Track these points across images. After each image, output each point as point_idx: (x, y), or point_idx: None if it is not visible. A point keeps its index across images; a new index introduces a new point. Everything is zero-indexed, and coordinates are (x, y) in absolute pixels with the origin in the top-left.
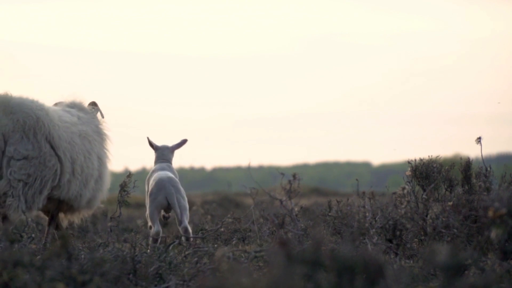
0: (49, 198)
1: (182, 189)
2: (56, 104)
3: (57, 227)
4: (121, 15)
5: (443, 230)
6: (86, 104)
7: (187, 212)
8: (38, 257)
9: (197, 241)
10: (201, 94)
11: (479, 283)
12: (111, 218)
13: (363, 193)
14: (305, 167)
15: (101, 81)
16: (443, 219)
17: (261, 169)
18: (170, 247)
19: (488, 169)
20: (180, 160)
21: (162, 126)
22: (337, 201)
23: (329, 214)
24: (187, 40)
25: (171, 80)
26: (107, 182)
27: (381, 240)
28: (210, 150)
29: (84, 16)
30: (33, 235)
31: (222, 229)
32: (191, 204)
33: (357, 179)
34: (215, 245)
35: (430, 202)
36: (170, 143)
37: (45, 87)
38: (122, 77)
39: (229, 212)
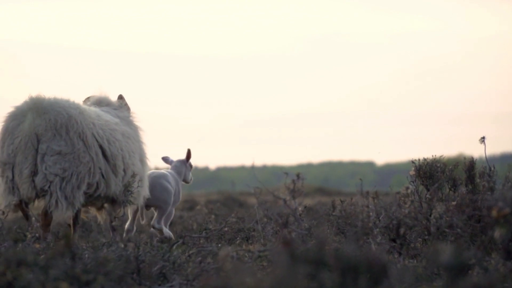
0: (92, 196)
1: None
2: (86, 101)
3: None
4: (121, 15)
5: (447, 230)
6: (112, 98)
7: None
8: (42, 256)
9: (201, 241)
10: (204, 94)
11: (482, 282)
12: (115, 217)
13: (367, 192)
14: (308, 166)
15: (100, 81)
16: (447, 218)
17: (264, 168)
18: (174, 247)
19: (492, 168)
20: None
21: (163, 126)
22: (341, 201)
23: (333, 213)
24: (187, 40)
25: (173, 80)
26: (147, 181)
27: (384, 239)
28: (214, 149)
29: (84, 16)
30: (37, 234)
31: (226, 229)
32: (195, 203)
33: (360, 179)
34: (219, 245)
35: (434, 202)
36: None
37: (45, 87)
38: (121, 77)
39: (233, 211)
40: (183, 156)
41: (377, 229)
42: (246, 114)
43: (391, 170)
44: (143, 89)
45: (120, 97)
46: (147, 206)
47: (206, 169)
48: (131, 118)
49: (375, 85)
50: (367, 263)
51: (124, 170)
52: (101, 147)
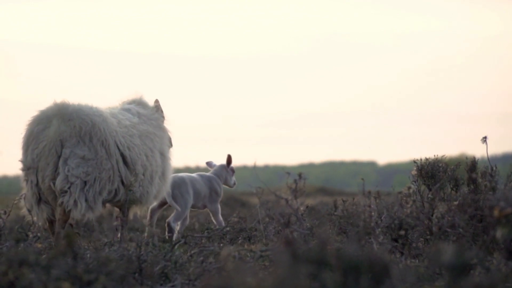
0: (112, 201)
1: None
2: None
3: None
4: (121, 15)
5: (449, 230)
6: (146, 100)
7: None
8: (44, 256)
9: (203, 240)
10: (205, 94)
11: (484, 282)
12: (116, 217)
13: (369, 192)
14: (311, 166)
15: (101, 81)
16: (449, 218)
17: (266, 168)
18: (176, 246)
19: (494, 168)
20: (186, 159)
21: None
22: (343, 201)
23: (335, 213)
24: (187, 40)
25: (173, 80)
26: (170, 175)
27: (386, 239)
28: (215, 149)
29: (84, 16)
30: (38, 234)
31: (228, 229)
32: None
33: (362, 179)
34: (221, 245)
35: (436, 202)
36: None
37: (45, 87)
38: (121, 77)
39: (235, 211)
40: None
41: (379, 229)
42: (247, 114)
43: (393, 170)
44: (144, 89)
45: (156, 101)
46: (162, 203)
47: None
48: (153, 115)
49: (377, 85)
50: (369, 263)
51: (143, 174)
52: (122, 154)
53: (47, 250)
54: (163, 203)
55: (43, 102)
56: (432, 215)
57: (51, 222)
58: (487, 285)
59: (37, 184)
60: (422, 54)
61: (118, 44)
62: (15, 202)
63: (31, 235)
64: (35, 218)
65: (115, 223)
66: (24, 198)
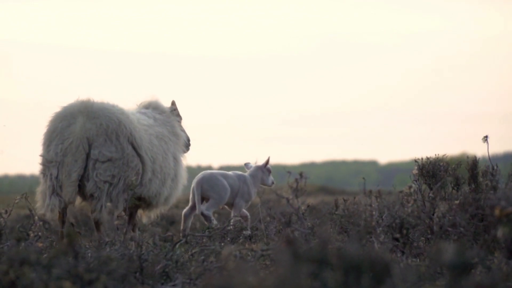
0: (137, 197)
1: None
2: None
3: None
4: (121, 15)
5: (450, 229)
6: (162, 103)
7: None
8: (45, 255)
9: (204, 240)
10: (206, 93)
11: (485, 281)
12: (117, 216)
13: (370, 191)
14: (312, 165)
15: (102, 81)
16: (450, 217)
17: None
18: (177, 246)
19: (495, 167)
20: (187, 159)
21: None
22: (344, 200)
23: (336, 212)
24: (187, 40)
25: (173, 80)
26: (182, 180)
27: (387, 238)
28: (216, 148)
29: (84, 15)
30: (39, 233)
31: (229, 228)
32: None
33: (364, 178)
34: (222, 244)
35: (437, 201)
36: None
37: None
38: (122, 77)
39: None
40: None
41: (380, 228)
42: (248, 113)
43: (394, 169)
44: (147, 88)
45: (173, 103)
46: (202, 197)
47: (209, 168)
48: (168, 119)
49: (378, 85)
50: (370, 262)
51: (160, 173)
52: (145, 152)
53: (48, 249)
54: (195, 206)
55: (43, 101)
56: (433, 214)
57: (62, 214)
58: (488, 284)
59: (56, 177)
60: (422, 54)
61: (118, 44)
62: (16, 201)
63: (32, 235)
64: (44, 210)
65: (116, 222)
66: (40, 192)
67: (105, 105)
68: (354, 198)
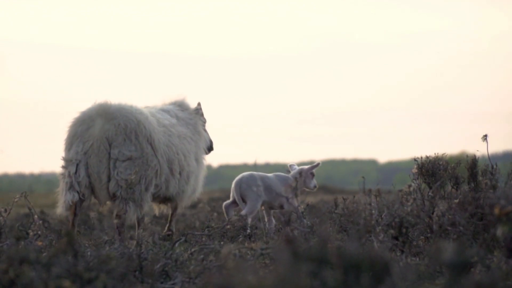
0: (153, 196)
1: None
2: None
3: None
4: (121, 14)
5: (449, 228)
6: (188, 102)
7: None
8: (44, 254)
9: (203, 238)
10: (206, 93)
11: (485, 280)
12: (116, 215)
13: (370, 190)
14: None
15: (104, 81)
16: (449, 216)
17: (267, 166)
18: (176, 244)
19: (494, 166)
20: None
21: None
22: (344, 199)
23: (335, 211)
24: (187, 40)
25: (174, 79)
26: (202, 179)
27: (387, 237)
28: (216, 147)
29: (84, 15)
30: (39, 232)
31: (228, 227)
32: (197, 201)
33: (363, 177)
34: (221, 243)
35: (436, 200)
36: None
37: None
38: (123, 77)
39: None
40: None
41: (380, 227)
42: (248, 112)
43: (393, 168)
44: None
45: (198, 104)
46: (243, 200)
47: (208, 167)
48: (192, 119)
49: (377, 84)
50: (370, 261)
51: (179, 173)
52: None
53: (47, 248)
54: (235, 201)
55: (43, 101)
56: (432, 213)
57: (74, 208)
58: (488, 283)
59: (75, 173)
60: (422, 53)
61: (119, 43)
62: (16, 200)
63: (31, 233)
64: (61, 208)
65: (115, 221)
66: (60, 190)
67: (122, 106)
68: (354, 197)
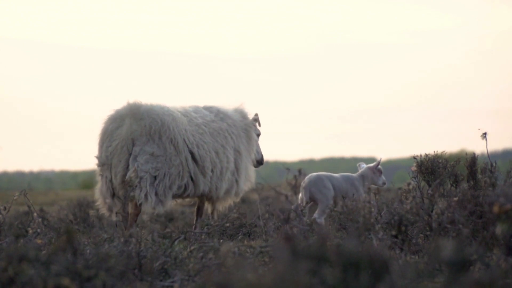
0: (181, 196)
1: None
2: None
3: (199, 214)
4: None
5: (449, 226)
6: (244, 109)
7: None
8: (44, 252)
9: (203, 236)
10: (207, 92)
11: (484, 278)
12: (116, 213)
13: (369, 188)
14: (310, 162)
15: (104, 80)
16: (449, 214)
17: (266, 164)
18: (176, 242)
19: (494, 164)
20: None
21: None
22: (343, 197)
23: (335, 209)
24: (187, 39)
25: (175, 79)
26: (249, 173)
27: (386, 235)
28: None
29: (84, 14)
30: (38, 230)
31: (228, 224)
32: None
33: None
34: (221, 240)
35: (436, 198)
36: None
37: (44, 85)
38: (123, 77)
39: (235, 207)
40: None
41: (379, 225)
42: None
43: (393, 166)
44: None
45: (256, 115)
46: (310, 199)
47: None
48: (238, 121)
49: (377, 84)
50: (369, 259)
51: (212, 170)
52: (191, 151)
53: (46, 246)
54: (310, 199)
55: (42, 100)
56: (432, 211)
57: (125, 216)
58: (487, 281)
59: (111, 180)
60: (422, 53)
61: (121, 43)
62: (15, 198)
63: (30, 231)
64: (108, 212)
65: (114, 219)
66: (99, 192)
67: (152, 106)
68: (353, 195)
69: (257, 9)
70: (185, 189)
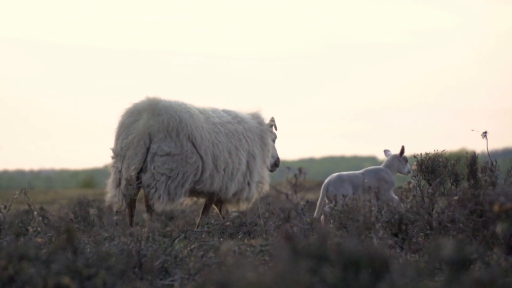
0: (197, 192)
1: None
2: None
3: (204, 213)
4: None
5: (449, 225)
6: (261, 114)
7: None
8: (44, 250)
9: (203, 235)
10: (208, 91)
11: (484, 277)
12: (116, 212)
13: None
14: (311, 161)
15: (104, 80)
16: (449, 213)
17: None
18: (176, 241)
19: (494, 163)
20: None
21: None
22: (343, 195)
23: (335, 208)
24: (186, 39)
25: (175, 78)
26: (264, 176)
27: (386, 234)
28: None
29: (84, 14)
30: (38, 228)
31: (228, 223)
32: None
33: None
34: (221, 239)
35: (436, 197)
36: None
37: (43, 85)
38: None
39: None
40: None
41: (379, 224)
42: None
43: None
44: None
45: (272, 119)
46: (327, 198)
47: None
48: (255, 127)
49: (377, 83)
50: (369, 257)
51: (224, 169)
52: (206, 149)
53: (47, 245)
54: (327, 198)
55: (42, 100)
56: (432, 210)
57: (130, 208)
58: (487, 280)
59: (120, 171)
60: (422, 52)
61: (120, 43)
62: (15, 196)
63: (31, 230)
64: (110, 202)
65: (115, 217)
66: (110, 185)
67: (171, 103)
68: (353, 193)
69: (257, 9)
70: (202, 185)
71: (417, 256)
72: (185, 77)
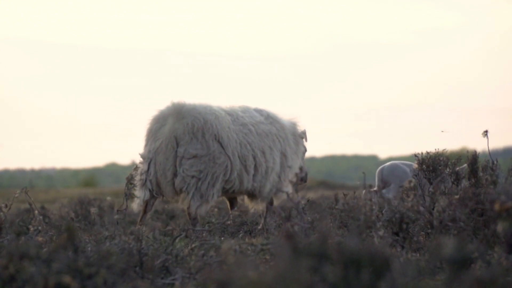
0: (227, 191)
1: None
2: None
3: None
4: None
5: (450, 223)
6: (296, 124)
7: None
8: (45, 249)
9: (204, 234)
10: (209, 91)
11: (485, 276)
12: (117, 211)
13: (370, 186)
14: (312, 160)
15: (104, 80)
16: (450, 212)
17: None
18: (177, 240)
19: (495, 162)
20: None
21: None
22: (344, 194)
23: (336, 207)
24: (186, 38)
25: (176, 78)
26: (290, 176)
27: (387, 233)
28: None
29: (83, 14)
30: (39, 227)
31: (229, 222)
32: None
33: (364, 172)
34: (222, 238)
35: (437, 195)
36: None
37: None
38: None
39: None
40: None
41: (380, 223)
42: None
43: None
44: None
45: (303, 132)
46: (383, 182)
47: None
48: (285, 132)
49: (377, 82)
50: (370, 256)
51: (254, 169)
52: (233, 150)
53: (48, 244)
54: (383, 182)
55: (42, 99)
56: (433, 209)
57: (145, 206)
58: (488, 279)
59: (147, 171)
60: (422, 52)
61: (121, 43)
62: (16, 195)
63: (32, 229)
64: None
65: (115, 216)
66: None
67: (195, 105)
68: (354, 192)
69: (257, 9)
70: (234, 183)
71: (418, 255)
72: (185, 77)
